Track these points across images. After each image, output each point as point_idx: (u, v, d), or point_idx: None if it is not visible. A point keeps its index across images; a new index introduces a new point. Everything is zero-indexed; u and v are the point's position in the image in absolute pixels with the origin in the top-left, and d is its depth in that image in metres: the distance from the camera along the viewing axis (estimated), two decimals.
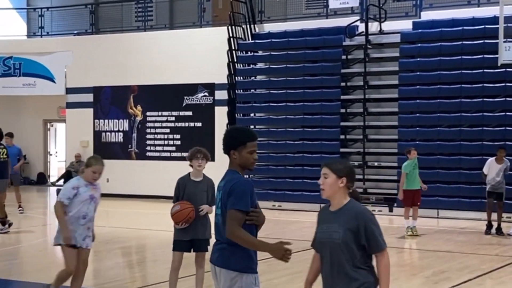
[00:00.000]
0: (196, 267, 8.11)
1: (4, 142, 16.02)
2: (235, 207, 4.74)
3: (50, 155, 26.49)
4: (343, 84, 19.08)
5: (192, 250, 8.03)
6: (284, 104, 19.58)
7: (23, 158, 17.63)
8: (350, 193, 4.58)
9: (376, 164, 18.53)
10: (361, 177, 18.37)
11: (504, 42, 14.38)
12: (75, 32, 24.35)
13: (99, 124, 22.94)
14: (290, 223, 16.48)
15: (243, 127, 5.20)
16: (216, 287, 5.03)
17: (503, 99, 17.02)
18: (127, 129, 22.42)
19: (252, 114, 20.65)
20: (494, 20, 16.12)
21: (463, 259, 11.64)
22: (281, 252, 4.67)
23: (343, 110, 18.97)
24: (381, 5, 18.70)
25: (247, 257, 4.84)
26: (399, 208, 16.73)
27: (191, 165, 8.15)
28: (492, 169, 14.00)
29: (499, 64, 14.84)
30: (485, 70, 17.08)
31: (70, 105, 23.49)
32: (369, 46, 18.77)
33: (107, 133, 22.78)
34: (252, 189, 4.86)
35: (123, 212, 19.06)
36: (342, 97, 19.02)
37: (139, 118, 22.23)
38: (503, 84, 16.94)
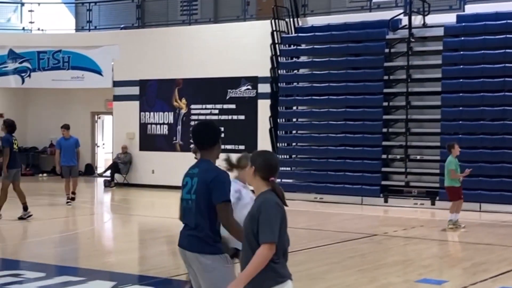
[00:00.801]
0: None
1: (63, 134, 17.54)
2: (226, 198, 5.14)
3: (98, 146, 27.05)
4: (385, 77, 19.13)
5: None
6: (327, 97, 19.71)
7: (79, 150, 18.16)
8: (272, 186, 4.58)
9: (418, 157, 18.56)
10: (403, 170, 18.45)
11: None
12: (122, 26, 24.79)
13: (145, 117, 23.38)
14: (331, 215, 16.66)
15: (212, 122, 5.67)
16: (188, 271, 5.36)
17: None
18: (172, 121, 22.81)
19: (294, 107, 20.83)
20: None
21: (503, 251, 11.69)
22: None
23: (385, 104, 19.02)
24: None
25: (214, 241, 5.17)
26: (441, 202, 16.81)
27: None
28: None
29: None
30: None
31: (117, 98, 23.97)
32: (412, 40, 18.79)
33: (153, 126, 23.20)
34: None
35: (167, 203, 19.45)
36: (385, 90, 19.07)
37: (183, 111, 22.60)
38: None
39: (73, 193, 17.64)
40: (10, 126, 14.99)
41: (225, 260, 5.20)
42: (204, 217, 5.17)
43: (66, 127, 17.66)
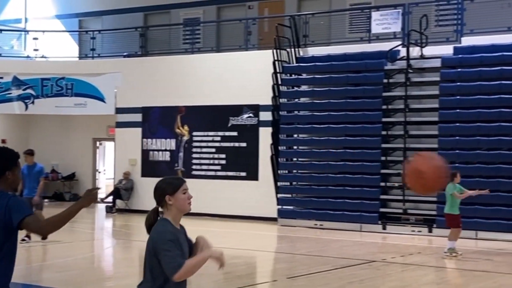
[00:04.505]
0: None
1: (26, 161, 15.06)
2: (28, 213, 4.76)
3: (99, 172, 27.32)
4: (384, 107, 19.52)
5: None
6: (327, 125, 20.08)
7: (43, 178, 15.52)
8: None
9: None
10: (401, 198, 18.76)
11: None
12: (125, 54, 25.16)
13: (147, 143, 23.70)
14: (331, 242, 16.92)
15: (5, 147, 5.06)
16: None
17: None
18: (174, 148, 23.13)
19: (295, 135, 21.17)
20: None
21: (499, 278, 11.97)
22: (90, 196, 4.82)
23: (384, 132, 19.39)
24: (422, 31, 19.12)
25: (4, 274, 4.87)
26: (438, 229, 17.12)
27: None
28: None
29: None
30: None
31: (120, 125, 24.30)
32: (410, 70, 19.20)
33: (155, 152, 23.52)
34: None
35: None
36: (383, 119, 19.45)
37: (186, 138, 22.93)
38: None
39: None
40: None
41: None
42: None
43: (29, 152, 15.24)
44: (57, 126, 26.71)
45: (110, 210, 23.43)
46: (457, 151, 18.15)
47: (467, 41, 19.11)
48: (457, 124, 18.24)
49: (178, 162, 23.00)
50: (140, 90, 23.75)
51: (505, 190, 17.06)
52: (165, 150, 23.29)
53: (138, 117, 23.80)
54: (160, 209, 4.64)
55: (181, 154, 22.95)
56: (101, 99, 24.59)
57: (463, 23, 19.52)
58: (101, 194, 26.63)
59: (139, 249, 16.47)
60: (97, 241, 17.98)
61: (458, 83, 18.65)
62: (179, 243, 4.47)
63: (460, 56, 18.77)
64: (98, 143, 27.23)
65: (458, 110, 18.33)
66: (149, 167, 23.56)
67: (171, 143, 23.20)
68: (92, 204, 4.90)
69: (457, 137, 18.20)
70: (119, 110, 24.27)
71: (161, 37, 25.79)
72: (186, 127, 22.92)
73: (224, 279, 12.57)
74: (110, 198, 24.14)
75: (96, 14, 29.26)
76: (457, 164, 17.57)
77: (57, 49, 26.62)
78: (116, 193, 23.69)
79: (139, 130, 23.81)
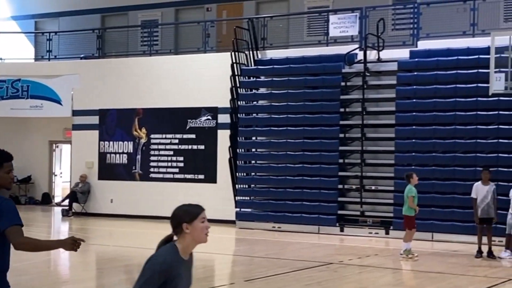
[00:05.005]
0: None
1: None
2: (16, 222, 4.86)
3: (55, 175, 26.99)
4: (342, 110, 19.65)
5: None
6: (285, 128, 20.14)
7: None
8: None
9: (373, 188, 19.06)
10: (358, 200, 18.91)
11: (495, 72, 14.93)
12: (82, 55, 24.93)
13: (104, 146, 23.48)
14: (289, 244, 16.96)
15: None
16: None
17: (496, 126, 17.57)
18: (131, 151, 22.96)
19: (253, 138, 21.20)
20: (488, 50, 16.54)
21: (453, 279, 12.13)
22: (72, 245, 4.84)
23: (341, 135, 19.53)
24: (379, 34, 19.30)
25: None
26: (395, 231, 17.29)
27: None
28: (479, 192, 14.52)
29: (489, 94, 15.40)
30: (478, 99, 17.63)
31: (76, 127, 24.05)
32: (367, 74, 19.37)
33: (112, 155, 23.32)
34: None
35: (126, 232, 19.56)
36: (341, 122, 19.58)
37: (143, 140, 22.79)
38: (496, 112, 17.50)
39: None
40: None
41: None
42: None
43: None
44: (13, 128, 26.29)
45: (66, 213, 23.16)
46: (413, 153, 18.36)
47: (423, 45, 19.35)
48: (414, 127, 18.45)
49: (135, 165, 22.84)
50: (97, 92, 23.54)
51: (460, 192, 17.28)
52: (123, 152, 23.11)
53: (95, 120, 23.58)
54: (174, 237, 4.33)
55: (138, 157, 22.79)
56: (58, 101, 24.33)
57: (419, 27, 19.77)
58: (57, 198, 26.37)
59: (95, 253, 16.29)
60: None
61: (414, 87, 18.88)
62: (164, 276, 4.13)
63: (416, 59, 19.00)
64: (54, 145, 26.90)
65: (414, 113, 18.55)
66: (106, 170, 23.35)
67: (128, 146, 23.03)
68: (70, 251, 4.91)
69: (414, 140, 18.41)
70: (76, 113, 24.02)
71: (118, 39, 25.60)
72: (143, 130, 22.78)
73: None
74: (66, 202, 23.85)
75: (52, 16, 28.93)
76: (413, 167, 17.78)
77: (12, 50, 26.23)
78: (73, 196, 23.42)
79: (96, 133, 23.59)
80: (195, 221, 4.27)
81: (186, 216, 4.28)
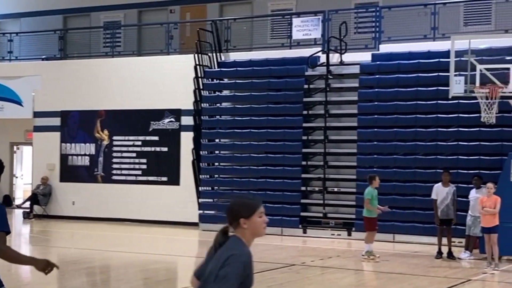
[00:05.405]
0: None
1: None
2: (2, 229, 5.07)
3: (16, 177, 26.68)
4: (305, 112, 19.76)
5: None
6: (248, 130, 20.18)
7: None
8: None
9: (335, 189, 19.20)
10: (321, 202, 19.03)
11: (455, 76, 15.15)
12: (44, 57, 24.68)
13: (66, 148, 23.27)
14: (252, 246, 16.85)
15: None
16: None
17: (456, 129, 17.82)
18: (93, 153, 22.79)
19: (217, 140, 21.21)
20: (448, 54, 16.70)
21: (414, 280, 12.29)
22: (43, 265, 5.04)
23: (304, 137, 19.63)
24: (341, 38, 19.45)
25: None
26: (357, 233, 17.44)
27: None
28: (439, 193, 14.76)
29: (449, 97, 15.61)
30: (439, 102, 17.87)
31: (38, 129, 23.80)
32: (330, 77, 19.51)
33: (74, 157, 23.12)
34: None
35: (88, 234, 19.41)
36: (304, 124, 19.69)
37: (105, 142, 22.63)
38: (456, 115, 17.76)
39: None
40: None
41: None
42: None
43: None
44: None
45: (27, 216, 22.90)
46: (375, 155, 18.54)
47: (385, 48, 19.56)
48: (375, 129, 18.64)
49: (98, 167, 22.67)
50: (59, 93, 23.33)
51: (421, 194, 17.50)
52: (85, 154, 22.93)
53: (56, 121, 23.37)
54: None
55: (101, 159, 22.63)
56: (19, 102, 24.06)
57: (381, 30, 19.99)
58: (18, 200, 26.05)
59: (57, 255, 16.17)
60: (14, 247, 17.36)
61: (376, 89, 19.06)
62: (250, 268, 4.04)
63: (378, 63, 19.20)
64: (15, 147, 26.58)
65: (376, 116, 18.73)
66: (68, 172, 23.14)
67: (90, 148, 22.86)
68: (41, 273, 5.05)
69: (375, 142, 18.59)
70: (37, 114, 23.78)
71: (81, 40, 25.40)
72: (106, 132, 22.63)
73: (144, 284, 12.49)
74: (27, 204, 23.59)
75: (14, 16, 28.61)
76: (375, 169, 17.95)
77: None
78: (34, 198, 23.17)
79: (57, 135, 23.37)
80: (253, 216, 4.09)
81: (244, 211, 4.08)
